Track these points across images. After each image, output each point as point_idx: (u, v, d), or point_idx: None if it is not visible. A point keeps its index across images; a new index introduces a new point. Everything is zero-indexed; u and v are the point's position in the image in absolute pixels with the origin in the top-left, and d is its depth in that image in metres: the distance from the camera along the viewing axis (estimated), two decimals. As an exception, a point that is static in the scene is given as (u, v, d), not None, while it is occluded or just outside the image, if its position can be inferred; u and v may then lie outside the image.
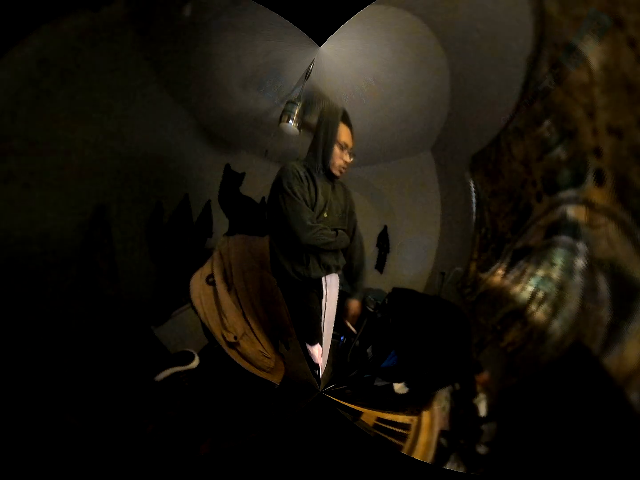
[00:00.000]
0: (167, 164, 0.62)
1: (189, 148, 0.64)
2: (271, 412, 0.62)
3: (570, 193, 0.54)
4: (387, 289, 0.69)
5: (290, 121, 0.66)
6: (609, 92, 0.47)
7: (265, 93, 0.65)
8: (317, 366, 0.64)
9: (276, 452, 0.57)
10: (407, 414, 0.60)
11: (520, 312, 0.58)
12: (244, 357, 0.64)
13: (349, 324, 0.68)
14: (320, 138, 0.66)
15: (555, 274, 0.55)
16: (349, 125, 0.66)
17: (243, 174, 0.67)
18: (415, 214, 0.69)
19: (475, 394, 0.57)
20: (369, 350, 0.68)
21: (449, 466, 0.53)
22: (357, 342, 0.68)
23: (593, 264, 0.51)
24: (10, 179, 0.49)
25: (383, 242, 0.69)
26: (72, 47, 0.51)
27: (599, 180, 0.49)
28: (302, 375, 0.64)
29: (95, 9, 0.52)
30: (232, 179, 0.66)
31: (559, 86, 0.52)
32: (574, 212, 0.53)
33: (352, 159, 0.67)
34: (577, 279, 0.52)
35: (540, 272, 0.57)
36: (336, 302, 0.68)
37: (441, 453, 0.55)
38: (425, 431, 0.57)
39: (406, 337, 0.68)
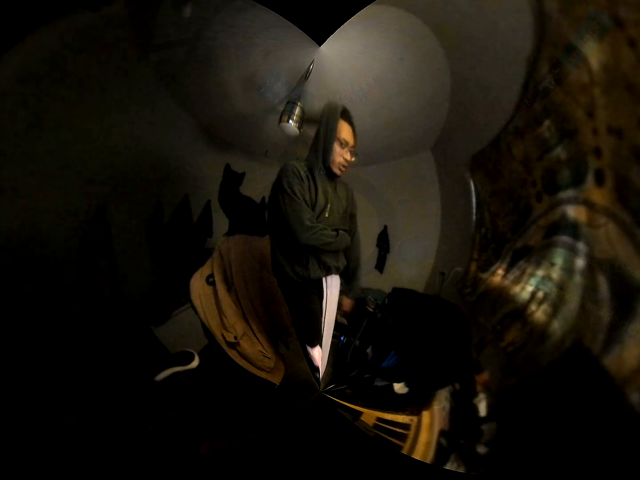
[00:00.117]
0: (167, 164, 0.62)
1: (189, 148, 0.64)
2: (271, 412, 0.62)
3: (570, 193, 0.54)
4: (387, 289, 0.69)
5: (290, 121, 0.66)
6: (609, 92, 0.47)
7: (265, 93, 0.65)
8: (317, 367, 0.64)
9: (276, 452, 0.57)
10: (407, 414, 0.60)
11: (520, 312, 0.58)
12: (244, 357, 0.64)
13: (339, 317, 0.68)
14: (321, 135, 0.65)
15: (555, 274, 0.55)
16: (350, 122, 0.66)
17: (243, 174, 0.67)
18: (415, 214, 0.69)
19: (475, 394, 0.57)
20: (369, 350, 0.68)
21: (449, 466, 0.53)
22: (357, 342, 0.68)
23: (593, 264, 0.51)
24: (10, 179, 0.49)
25: (383, 242, 0.69)
26: (72, 47, 0.51)
27: (599, 180, 0.49)
28: (302, 375, 0.64)
29: (95, 9, 0.52)
30: (232, 179, 0.66)
31: (559, 86, 0.52)
32: (574, 212, 0.53)
33: (353, 158, 0.67)
34: (577, 279, 0.52)
35: (540, 272, 0.57)
36: (337, 303, 0.68)
37: (441, 453, 0.55)
38: (425, 431, 0.57)
39: (406, 337, 0.68)
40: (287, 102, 0.66)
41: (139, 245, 0.60)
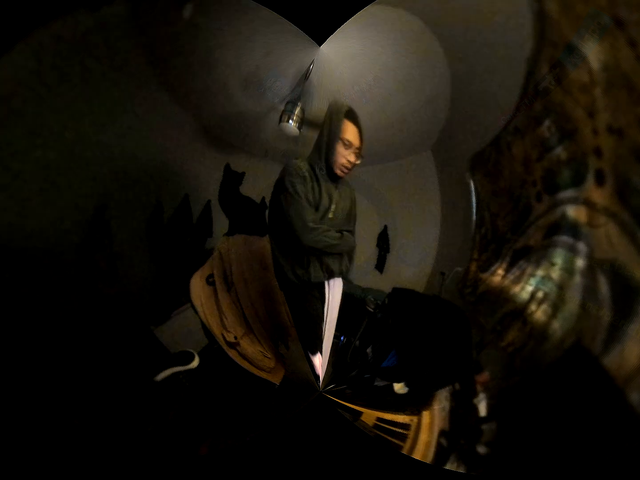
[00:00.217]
0: (168, 164, 0.62)
1: (189, 148, 0.64)
2: (271, 412, 0.62)
3: (570, 193, 0.54)
4: (387, 289, 0.68)
5: (290, 121, 0.66)
6: (609, 92, 0.47)
7: (265, 93, 0.65)
8: (317, 371, 0.63)
9: (276, 452, 0.57)
10: (407, 414, 0.60)
11: (520, 312, 0.57)
12: (244, 357, 0.64)
13: None
14: (324, 135, 0.64)
15: (555, 274, 0.55)
16: (356, 123, 0.65)
17: (243, 174, 0.67)
18: (415, 214, 0.69)
19: (475, 394, 0.57)
20: (369, 350, 0.68)
21: (449, 466, 0.53)
22: (357, 342, 0.68)
23: (593, 264, 0.51)
24: (11, 179, 0.49)
25: (383, 242, 0.69)
26: (72, 47, 0.51)
27: (599, 180, 0.49)
28: (302, 375, 0.64)
29: (95, 9, 0.52)
30: (232, 179, 0.66)
31: (559, 86, 0.52)
32: (574, 212, 0.53)
33: (358, 161, 0.65)
34: (577, 279, 0.52)
35: (540, 272, 0.57)
36: (338, 307, 0.67)
37: (441, 453, 0.55)
38: (425, 431, 0.57)
39: (406, 337, 0.68)
40: (287, 102, 0.66)
41: (139, 246, 0.60)
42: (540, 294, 0.56)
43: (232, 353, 0.63)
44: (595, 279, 0.50)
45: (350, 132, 0.64)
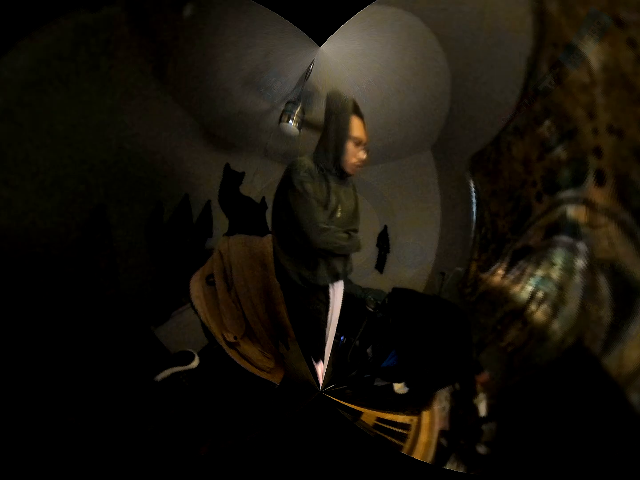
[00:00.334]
0: (167, 164, 0.62)
1: (189, 148, 0.64)
2: (271, 412, 0.62)
3: (570, 193, 0.54)
4: (387, 289, 0.68)
5: (290, 121, 0.66)
6: (609, 92, 0.47)
7: (265, 93, 0.65)
8: (317, 373, 0.63)
9: (276, 452, 0.57)
10: (407, 414, 0.60)
11: (520, 312, 0.57)
12: (244, 357, 0.64)
13: None
14: (331, 133, 0.61)
15: (555, 274, 0.55)
16: (361, 117, 0.62)
17: (243, 174, 0.67)
18: (415, 214, 0.69)
19: (475, 394, 0.57)
20: (369, 350, 0.68)
21: (449, 466, 0.53)
22: (357, 342, 0.68)
23: (593, 264, 0.51)
24: (11, 179, 0.49)
25: (383, 242, 0.69)
26: (72, 47, 0.51)
27: (600, 180, 0.49)
28: (302, 375, 0.64)
29: (95, 9, 0.52)
30: (232, 179, 0.66)
31: (559, 86, 0.52)
32: (574, 212, 0.53)
33: (366, 156, 0.63)
34: (577, 279, 0.52)
35: (540, 272, 0.57)
36: (340, 310, 0.66)
37: (441, 453, 0.55)
38: (425, 431, 0.57)
39: (406, 337, 0.68)
40: (287, 102, 0.66)
41: (139, 246, 0.60)
42: (540, 294, 0.56)
43: (232, 353, 0.63)
44: (595, 279, 0.50)
45: (358, 128, 0.62)
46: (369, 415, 0.61)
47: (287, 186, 0.62)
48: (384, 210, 0.69)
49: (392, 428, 0.59)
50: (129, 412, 0.53)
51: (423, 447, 0.56)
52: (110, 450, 0.49)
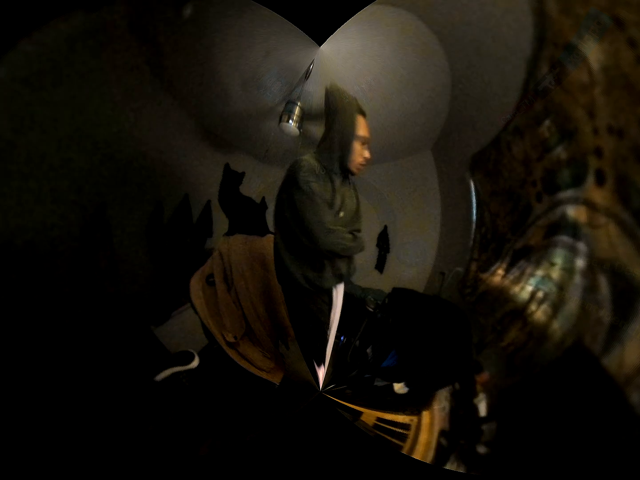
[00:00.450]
0: (167, 164, 0.62)
1: (189, 148, 0.64)
2: (271, 412, 0.62)
3: (570, 193, 0.54)
4: (387, 289, 0.68)
5: (290, 121, 0.66)
6: (609, 92, 0.47)
7: (265, 93, 0.65)
8: (317, 374, 0.63)
9: (276, 452, 0.57)
10: (407, 414, 0.60)
11: (520, 312, 0.58)
12: (244, 357, 0.64)
13: None
14: (335, 132, 0.60)
15: (555, 274, 0.55)
16: (364, 115, 0.61)
17: (243, 174, 0.67)
18: (415, 214, 0.69)
19: (475, 394, 0.57)
20: (369, 350, 0.68)
21: (449, 466, 0.53)
22: (357, 342, 0.68)
23: (593, 264, 0.51)
24: (10, 179, 0.49)
25: (383, 242, 0.69)
26: (73, 47, 0.51)
27: (600, 180, 0.49)
28: (302, 375, 0.64)
29: (95, 9, 0.52)
30: (232, 179, 0.66)
31: (559, 86, 0.52)
32: (574, 212, 0.53)
33: (370, 155, 0.63)
34: (577, 279, 0.52)
35: (540, 272, 0.57)
36: (341, 310, 0.66)
37: (441, 453, 0.55)
38: (425, 431, 0.57)
39: (406, 337, 0.68)
40: (287, 102, 0.66)
41: (139, 245, 0.60)
42: (540, 294, 0.56)
43: (232, 353, 0.63)
44: (595, 279, 0.50)
45: (363, 127, 0.61)
46: (369, 415, 0.61)
47: (292, 186, 0.61)
48: (384, 210, 0.69)
49: (392, 428, 0.59)
50: (129, 412, 0.53)
51: (423, 447, 0.56)
52: (110, 449, 0.49)
